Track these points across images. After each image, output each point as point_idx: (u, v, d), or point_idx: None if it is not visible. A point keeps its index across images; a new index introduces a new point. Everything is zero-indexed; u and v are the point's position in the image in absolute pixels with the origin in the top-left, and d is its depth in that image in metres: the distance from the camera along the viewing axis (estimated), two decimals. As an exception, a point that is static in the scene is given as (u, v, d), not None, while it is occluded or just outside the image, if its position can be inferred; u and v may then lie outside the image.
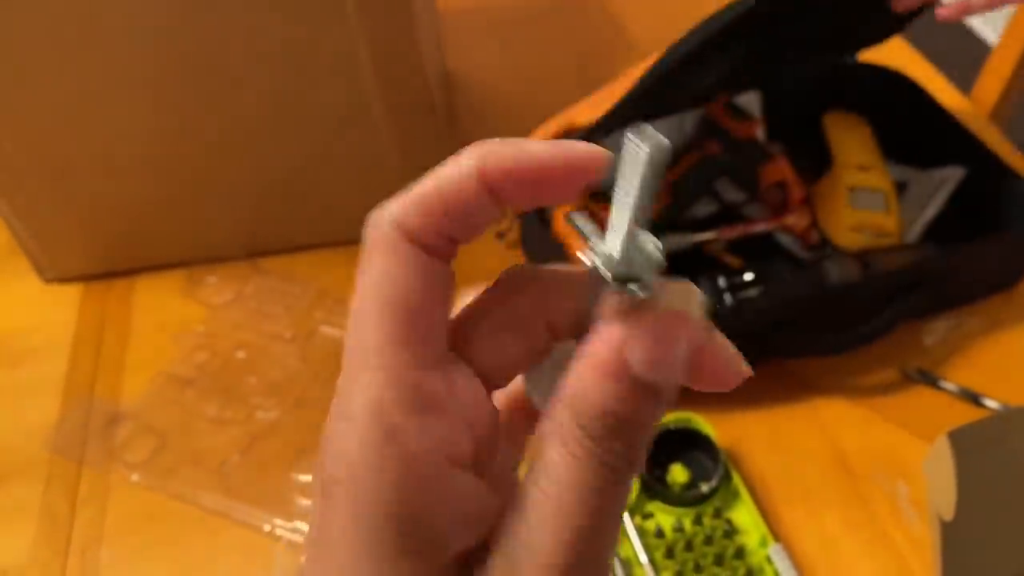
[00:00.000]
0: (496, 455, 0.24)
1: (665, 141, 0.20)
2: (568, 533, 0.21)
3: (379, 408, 0.21)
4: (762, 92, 0.82)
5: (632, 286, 0.21)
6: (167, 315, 0.77)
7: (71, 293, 0.81)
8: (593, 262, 0.21)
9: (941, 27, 0.75)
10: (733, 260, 0.75)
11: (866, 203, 0.74)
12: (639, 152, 0.20)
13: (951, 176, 0.75)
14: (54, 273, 0.81)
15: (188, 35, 0.66)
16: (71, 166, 0.73)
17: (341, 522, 0.21)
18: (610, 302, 0.22)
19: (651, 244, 0.21)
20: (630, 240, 0.21)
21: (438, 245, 0.23)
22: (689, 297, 0.22)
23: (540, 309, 0.24)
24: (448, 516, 0.22)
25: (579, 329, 0.24)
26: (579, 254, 0.22)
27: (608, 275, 0.21)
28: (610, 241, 0.21)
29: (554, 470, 0.21)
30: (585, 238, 0.22)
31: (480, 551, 0.22)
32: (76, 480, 0.66)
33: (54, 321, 0.78)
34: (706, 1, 1.04)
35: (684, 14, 0.99)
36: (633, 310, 0.21)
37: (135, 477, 0.65)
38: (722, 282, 0.69)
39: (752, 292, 0.66)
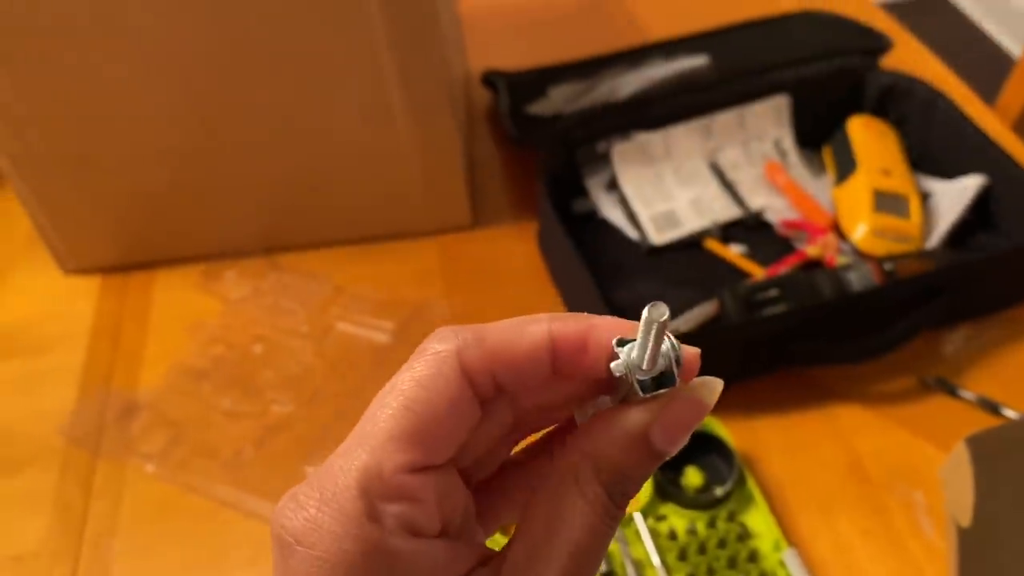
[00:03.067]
0: (466, 524, 0.27)
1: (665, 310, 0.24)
2: (572, 564, 0.25)
3: (362, 490, 0.23)
4: (790, 96, 0.82)
5: (661, 390, 0.25)
6: (184, 308, 0.78)
7: (90, 285, 0.81)
8: (626, 374, 0.25)
9: (965, 39, 0.75)
10: (755, 269, 0.75)
11: (889, 207, 0.74)
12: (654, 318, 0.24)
13: (973, 184, 0.74)
14: (74, 264, 0.81)
15: (213, 30, 0.66)
16: (94, 158, 0.73)
17: None
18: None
19: (670, 350, 0.25)
20: (655, 353, 0.25)
21: (483, 385, 0.26)
22: (714, 390, 0.26)
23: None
24: None
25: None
26: (612, 366, 0.25)
27: (636, 382, 0.25)
28: (638, 353, 0.25)
29: (568, 512, 0.25)
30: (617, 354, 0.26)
31: None
32: (91, 470, 0.67)
33: (72, 312, 0.79)
34: (725, 4, 1.05)
35: (704, 16, 0.99)
36: (670, 396, 0.26)
37: (149, 468, 0.66)
38: (745, 294, 0.69)
39: (777, 308, 0.66)
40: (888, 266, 0.68)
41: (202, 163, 0.75)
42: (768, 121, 0.83)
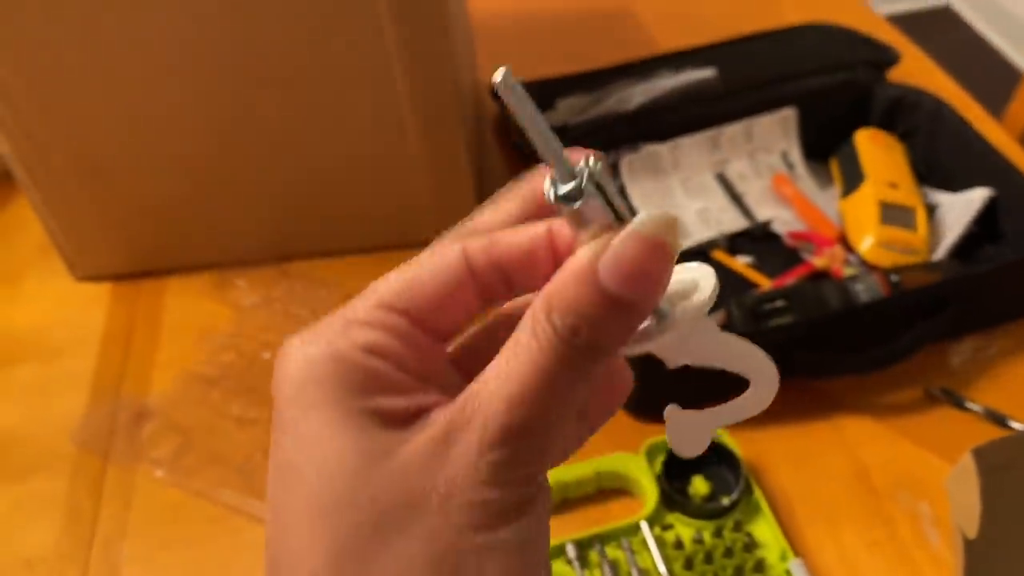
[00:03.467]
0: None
1: (504, 68, 0.23)
2: (518, 399, 0.24)
3: (342, 320, 0.26)
4: (798, 109, 0.83)
5: (575, 203, 0.24)
6: (195, 316, 0.78)
7: (101, 292, 0.82)
8: (547, 193, 0.25)
9: (973, 52, 0.75)
10: (763, 280, 0.75)
11: (896, 219, 0.74)
12: (509, 89, 0.23)
13: (979, 196, 0.75)
14: (85, 271, 0.82)
15: (227, 41, 0.67)
16: (106, 166, 0.74)
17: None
18: (592, 224, 0.25)
19: (584, 162, 0.24)
20: (559, 161, 0.24)
21: (486, 277, 0.27)
22: (665, 225, 0.24)
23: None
24: (378, 385, 0.26)
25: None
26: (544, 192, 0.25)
27: (552, 197, 0.25)
28: (552, 170, 0.25)
29: (519, 349, 0.24)
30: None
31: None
32: (101, 475, 0.67)
33: (84, 318, 0.79)
34: (732, 18, 1.05)
35: (711, 29, 0.99)
36: (612, 230, 0.24)
37: (159, 473, 0.66)
38: (751, 304, 0.69)
39: (784, 319, 0.66)
40: (895, 278, 0.69)
41: (214, 172, 0.76)
42: (775, 133, 0.83)
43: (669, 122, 0.81)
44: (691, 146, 0.81)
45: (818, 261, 0.75)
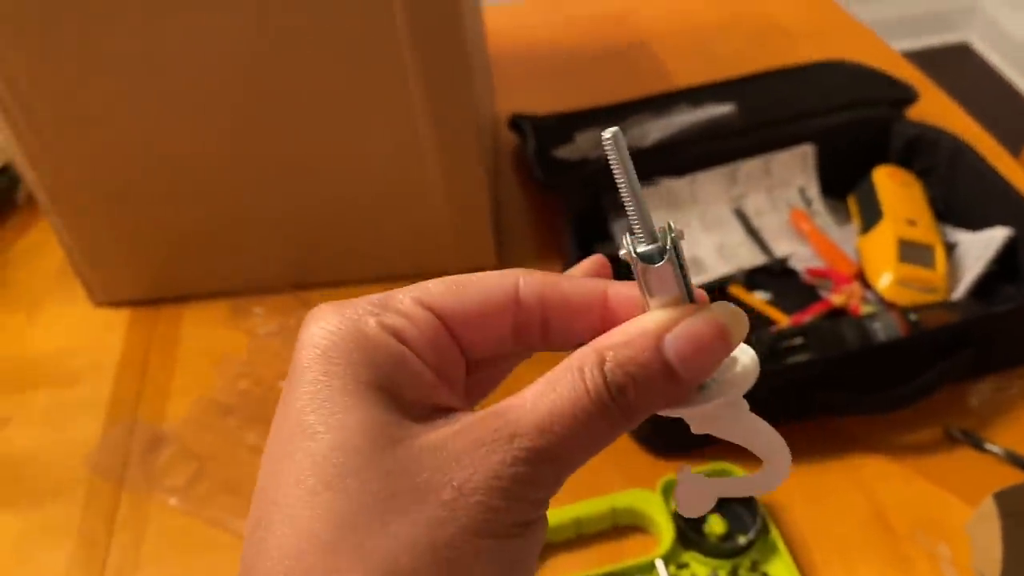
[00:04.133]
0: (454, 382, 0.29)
1: (617, 128, 0.25)
2: (552, 429, 0.25)
3: (374, 302, 0.27)
4: (815, 145, 0.83)
5: (653, 264, 0.25)
6: (212, 343, 0.79)
7: (119, 317, 0.82)
8: (626, 248, 0.26)
9: (992, 89, 0.75)
10: (780, 316, 0.75)
11: (914, 257, 0.74)
12: (611, 144, 0.25)
13: (999, 236, 0.74)
14: (104, 297, 0.83)
15: (246, 70, 0.68)
16: (128, 193, 0.75)
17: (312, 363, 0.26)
18: (658, 290, 0.26)
19: (668, 229, 0.25)
20: (646, 220, 0.25)
21: (528, 313, 0.28)
22: (737, 319, 0.26)
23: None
24: (402, 376, 0.26)
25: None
26: (620, 253, 0.26)
27: (632, 252, 0.25)
28: (634, 229, 0.26)
29: (563, 385, 0.25)
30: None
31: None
32: (115, 501, 0.67)
33: (101, 344, 0.80)
34: (752, 53, 1.06)
35: (732, 63, 1.00)
36: (680, 304, 0.26)
37: (173, 501, 0.66)
38: (769, 342, 0.69)
39: (801, 357, 0.66)
40: (913, 316, 0.68)
41: (233, 200, 0.76)
42: (793, 169, 0.83)
43: (687, 157, 0.81)
44: (709, 180, 0.81)
45: (836, 298, 0.75)
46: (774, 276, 0.79)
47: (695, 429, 0.28)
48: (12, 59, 0.66)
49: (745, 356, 0.27)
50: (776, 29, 1.13)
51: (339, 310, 0.27)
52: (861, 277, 0.77)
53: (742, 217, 0.82)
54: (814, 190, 0.84)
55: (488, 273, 0.28)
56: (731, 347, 0.26)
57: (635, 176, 0.25)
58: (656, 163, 0.81)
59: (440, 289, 0.28)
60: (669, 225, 0.25)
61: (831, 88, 0.91)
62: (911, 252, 0.75)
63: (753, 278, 0.79)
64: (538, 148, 0.87)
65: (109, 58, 0.67)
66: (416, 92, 0.70)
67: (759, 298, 0.77)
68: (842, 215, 0.84)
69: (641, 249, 0.25)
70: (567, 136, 0.90)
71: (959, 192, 0.80)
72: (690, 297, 0.26)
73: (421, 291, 0.28)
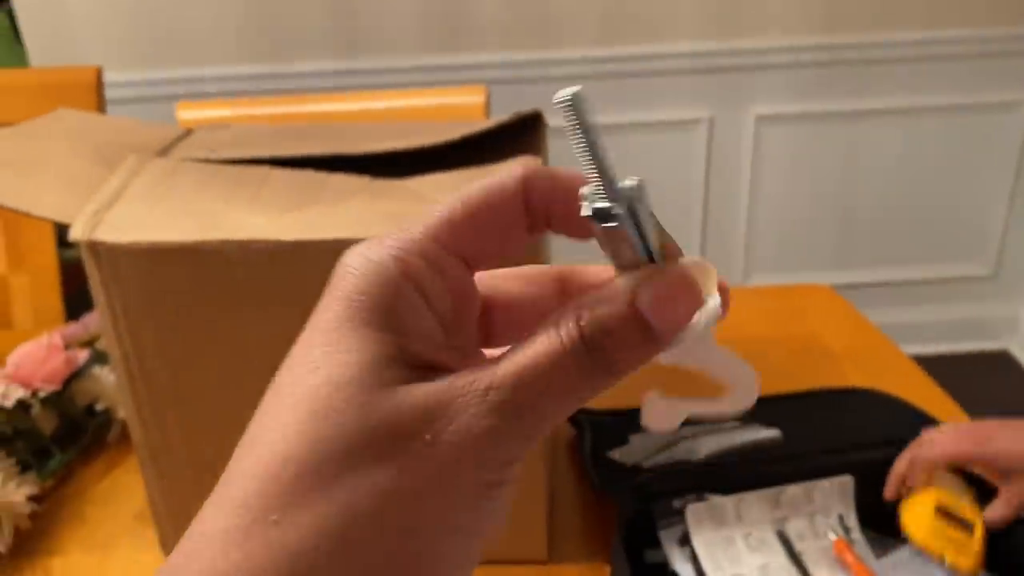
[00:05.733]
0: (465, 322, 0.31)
1: (576, 88, 0.26)
2: (526, 382, 0.26)
3: (399, 240, 0.29)
4: (854, 477, 0.88)
5: (610, 222, 0.26)
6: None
7: (186, 570, 0.87)
8: (583, 206, 0.27)
9: None
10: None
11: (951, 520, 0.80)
12: (567, 105, 0.26)
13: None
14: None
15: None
16: (219, 464, 0.81)
17: (333, 302, 0.28)
18: (620, 248, 0.27)
19: (627, 181, 0.26)
20: (605, 180, 0.26)
21: (538, 210, 0.30)
22: (706, 272, 0.28)
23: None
24: (415, 327, 0.28)
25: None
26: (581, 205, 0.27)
27: (590, 211, 0.27)
28: (593, 186, 0.27)
29: (542, 339, 0.27)
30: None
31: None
32: None
33: (167, 596, 0.84)
34: (793, 366, 1.13)
35: (776, 377, 1.07)
36: (657, 268, 0.27)
37: None
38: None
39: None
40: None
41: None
42: (833, 498, 0.88)
43: (735, 476, 0.87)
44: (754, 502, 0.86)
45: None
46: (814, 603, 0.82)
47: (664, 361, 0.29)
48: (142, 330, 0.75)
49: (711, 299, 0.28)
50: (821, 348, 1.22)
51: (368, 253, 0.28)
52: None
53: (784, 540, 0.86)
54: (852, 519, 0.88)
55: (490, 185, 0.29)
56: (700, 300, 0.27)
57: (597, 133, 0.26)
58: (706, 479, 0.87)
59: (447, 215, 0.29)
60: (633, 182, 0.26)
61: (871, 422, 0.97)
62: (949, 517, 0.81)
63: (793, 603, 0.82)
64: (593, 449, 0.93)
65: (229, 345, 0.76)
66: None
67: (797, 625, 0.80)
68: (879, 547, 0.88)
69: (596, 206, 0.26)
70: (622, 438, 0.96)
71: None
72: (648, 255, 0.27)
73: (432, 222, 0.29)
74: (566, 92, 0.25)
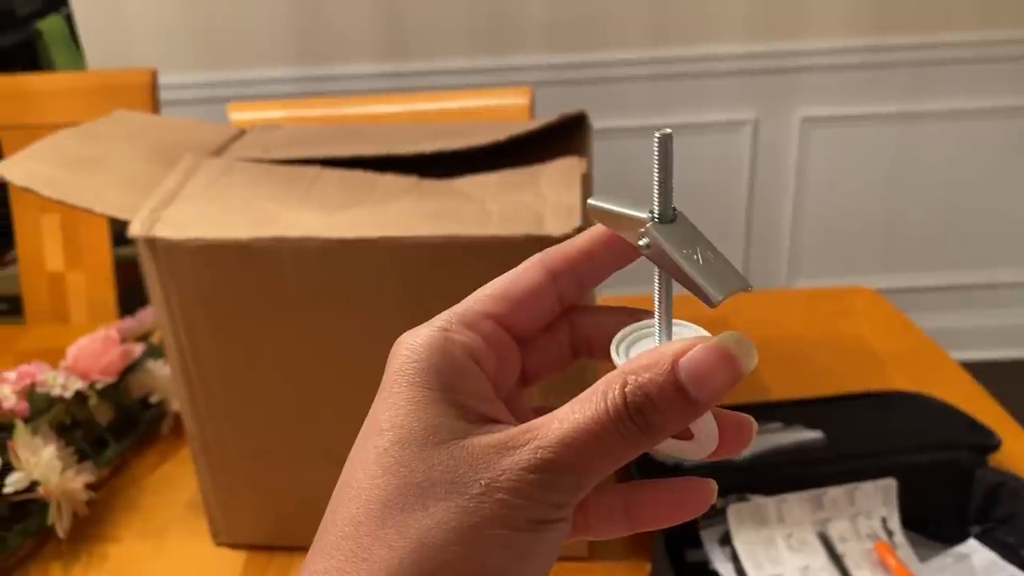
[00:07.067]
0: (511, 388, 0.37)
1: (668, 131, 0.31)
2: (569, 443, 0.30)
3: (452, 316, 0.35)
4: (897, 480, 0.88)
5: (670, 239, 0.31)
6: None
7: (236, 558, 0.89)
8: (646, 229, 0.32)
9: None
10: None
11: None
12: (656, 142, 0.31)
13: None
14: (227, 538, 0.90)
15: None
16: (268, 454, 0.84)
17: (398, 377, 0.33)
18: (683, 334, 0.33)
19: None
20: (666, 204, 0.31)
21: (565, 283, 0.37)
22: (745, 347, 0.30)
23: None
24: (466, 386, 0.33)
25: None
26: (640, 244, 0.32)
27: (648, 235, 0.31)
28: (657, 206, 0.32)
29: (587, 405, 0.30)
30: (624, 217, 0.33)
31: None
32: None
33: (217, 583, 0.87)
34: (839, 369, 1.12)
35: (821, 380, 1.06)
36: (700, 337, 0.31)
37: None
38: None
39: None
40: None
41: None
42: (876, 500, 0.88)
43: (777, 478, 0.87)
44: (796, 503, 0.86)
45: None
46: (854, 605, 0.82)
47: None
48: (197, 324, 0.78)
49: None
50: (867, 351, 1.21)
51: (423, 331, 0.34)
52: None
53: (826, 541, 0.86)
54: (895, 522, 0.88)
55: (517, 269, 0.36)
56: (740, 376, 0.30)
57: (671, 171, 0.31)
58: (749, 479, 0.87)
59: (494, 294, 0.35)
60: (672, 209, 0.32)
61: (914, 424, 0.96)
62: None
63: (834, 604, 0.82)
64: (636, 448, 0.94)
65: (280, 339, 0.78)
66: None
67: (838, 626, 0.80)
68: (923, 549, 0.87)
69: (643, 242, 0.32)
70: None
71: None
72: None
73: (481, 302, 0.35)
74: (662, 132, 0.31)
